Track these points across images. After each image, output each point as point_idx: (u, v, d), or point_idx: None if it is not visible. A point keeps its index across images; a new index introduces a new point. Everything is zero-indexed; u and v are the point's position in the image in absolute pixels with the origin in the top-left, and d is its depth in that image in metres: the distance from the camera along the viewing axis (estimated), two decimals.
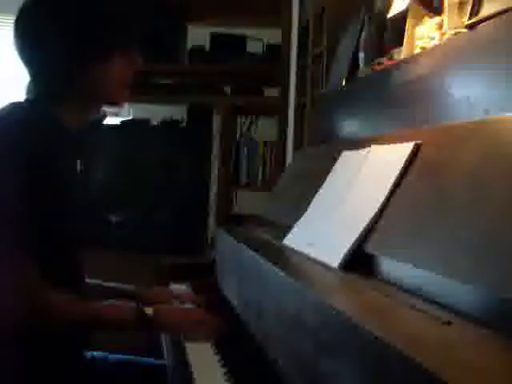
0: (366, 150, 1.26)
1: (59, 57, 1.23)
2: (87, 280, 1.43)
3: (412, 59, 1.29)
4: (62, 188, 1.23)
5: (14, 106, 1.25)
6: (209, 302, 1.56)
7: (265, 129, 3.31)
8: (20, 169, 1.13)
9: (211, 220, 3.22)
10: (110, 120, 3.16)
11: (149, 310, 1.25)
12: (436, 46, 1.21)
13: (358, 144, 1.34)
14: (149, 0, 2.92)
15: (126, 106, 3.26)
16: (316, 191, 1.40)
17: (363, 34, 1.72)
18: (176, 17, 3.18)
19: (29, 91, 1.30)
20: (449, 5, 1.18)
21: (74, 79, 1.27)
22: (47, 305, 1.14)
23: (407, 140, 1.10)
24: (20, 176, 1.13)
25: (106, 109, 1.46)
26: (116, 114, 3.20)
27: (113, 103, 1.36)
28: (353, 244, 1.07)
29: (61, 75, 1.26)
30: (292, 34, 2.88)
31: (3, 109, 1.23)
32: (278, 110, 3.03)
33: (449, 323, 0.72)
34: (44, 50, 1.24)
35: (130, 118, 3.38)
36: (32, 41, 1.26)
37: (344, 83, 1.78)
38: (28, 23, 1.27)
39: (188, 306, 1.54)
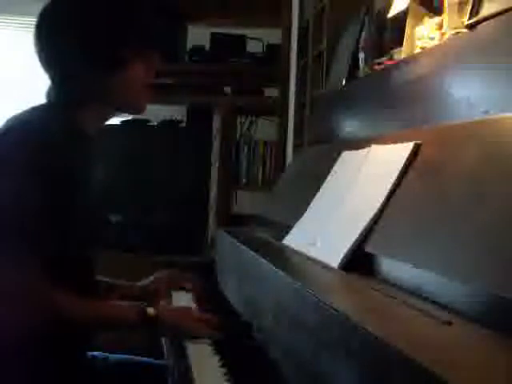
0: (366, 149, 1.26)
1: (79, 63, 1.24)
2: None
3: (412, 59, 1.29)
4: (81, 191, 1.23)
5: (35, 110, 1.25)
6: (208, 302, 1.56)
7: (265, 129, 3.30)
8: (40, 173, 1.13)
9: (211, 220, 3.22)
10: (110, 120, 3.14)
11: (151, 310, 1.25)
12: (436, 46, 1.21)
13: (358, 144, 1.34)
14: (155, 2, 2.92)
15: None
16: (316, 191, 1.40)
17: (363, 34, 1.72)
18: (177, 16, 3.18)
19: (49, 95, 1.30)
20: (449, 5, 1.19)
21: (95, 84, 1.27)
22: (52, 306, 1.14)
23: (407, 140, 1.10)
24: (40, 179, 1.13)
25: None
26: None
27: (134, 108, 1.36)
28: (353, 244, 1.07)
29: (82, 80, 1.26)
30: (292, 34, 2.88)
31: (24, 113, 1.23)
32: (278, 110, 3.03)
33: (449, 323, 0.72)
34: (65, 57, 1.25)
35: (130, 117, 3.37)
36: (52, 47, 1.26)
37: (344, 83, 1.78)
38: (49, 29, 1.26)
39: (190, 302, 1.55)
